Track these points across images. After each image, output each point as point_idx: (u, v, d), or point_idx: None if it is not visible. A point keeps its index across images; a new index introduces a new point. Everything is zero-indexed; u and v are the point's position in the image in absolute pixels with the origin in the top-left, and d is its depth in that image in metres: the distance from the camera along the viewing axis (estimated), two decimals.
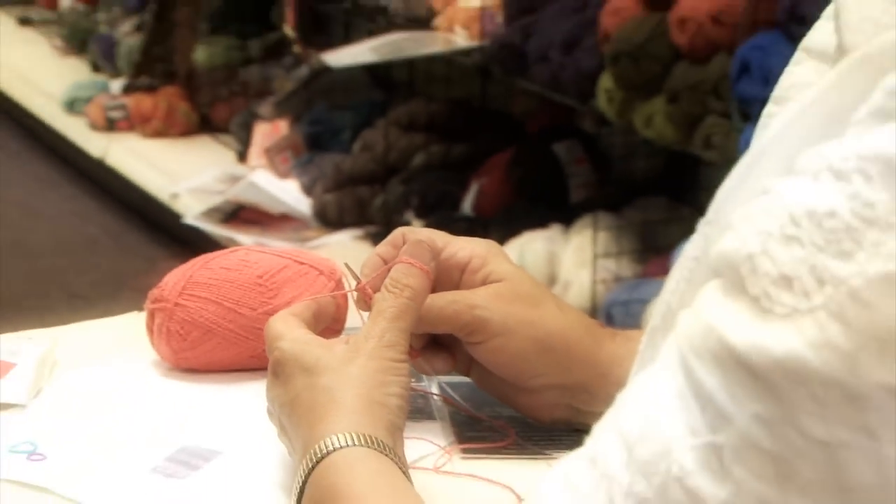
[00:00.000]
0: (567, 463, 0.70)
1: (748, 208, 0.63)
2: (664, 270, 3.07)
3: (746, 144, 0.87)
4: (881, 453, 0.56)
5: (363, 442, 0.98)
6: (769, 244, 0.60)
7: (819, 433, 0.57)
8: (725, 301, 0.62)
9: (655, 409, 0.64)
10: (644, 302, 3.05)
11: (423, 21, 3.91)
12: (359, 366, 1.05)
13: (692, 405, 0.61)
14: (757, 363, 0.58)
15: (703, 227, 0.75)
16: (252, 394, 1.12)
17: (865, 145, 0.58)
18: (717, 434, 0.60)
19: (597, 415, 0.70)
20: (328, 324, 1.17)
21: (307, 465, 0.98)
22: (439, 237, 1.19)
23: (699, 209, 2.80)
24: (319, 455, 0.98)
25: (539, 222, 3.52)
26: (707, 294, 0.64)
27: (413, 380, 1.16)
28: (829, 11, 0.89)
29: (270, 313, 1.15)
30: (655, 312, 0.78)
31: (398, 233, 1.18)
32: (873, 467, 0.56)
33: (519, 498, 1.08)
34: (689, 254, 0.75)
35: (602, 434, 0.68)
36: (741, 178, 0.70)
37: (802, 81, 0.87)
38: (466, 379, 1.23)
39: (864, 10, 0.69)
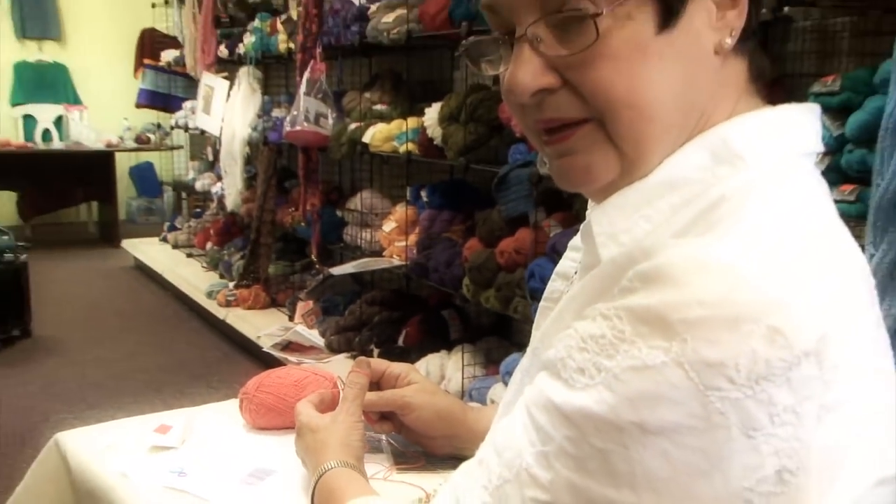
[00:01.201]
0: (462, 465, 0.69)
1: (561, 336, 0.62)
2: (496, 373, 3.06)
3: (535, 310, 0.86)
4: (631, 455, 0.55)
5: (342, 464, 0.97)
6: (571, 352, 0.59)
7: (599, 445, 0.56)
8: (550, 381, 0.61)
9: (513, 433, 0.63)
10: (488, 388, 2.98)
11: (378, 252, 3.87)
12: (336, 426, 1.04)
13: (531, 431, 0.61)
14: (567, 410, 0.58)
15: (532, 351, 0.75)
16: (291, 441, 1.09)
17: (618, 303, 0.58)
18: (545, 446, 0.59)
19: (467, 450, 0.68)
20: (328, 405, 1.13)
21: (316, 477, 0.97)
22: (385, 363, 1.17)
23: (514, 343, 2.78)
24: (321, 472, 0.97)
25: (435, 350, 3.45)
26: (540, 378, 0.62)
27: (371, 432, 1.15)
28: (567, 250, 0.88)
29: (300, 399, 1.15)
30: (509, 390, 0.77)
31: (360, 359, 1.16)
32: (626, 463, 0.55)
33: (426, 493, 1.05)
34: (525, 361, 0.75)
35: (484, 447, 0.66)
36: (552, 324, 0.69)
37: (557, 290, 0.85)
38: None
39: (610, 235, 0.67)
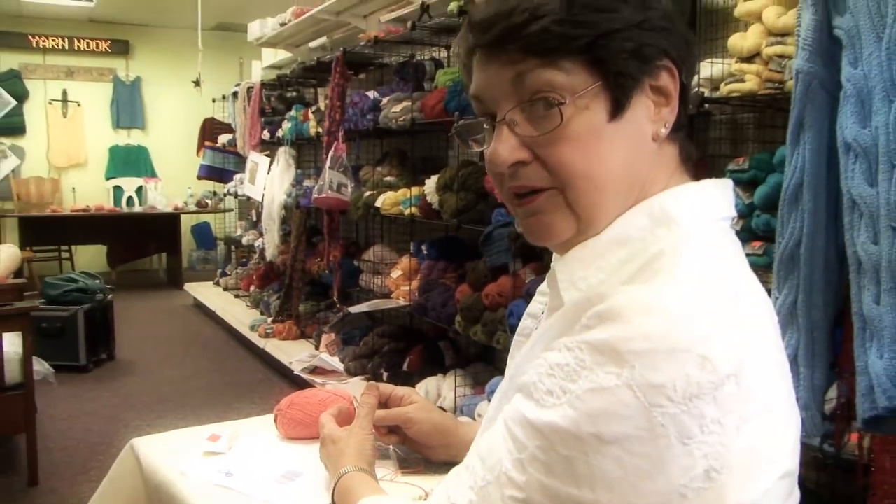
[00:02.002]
0: (453, 469, 0.67)
1: (532, 364, 0.61)
2: (482, 392, 3.03)
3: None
4: (590, 461, 0.54)
5: (357, 469, 0.94)
6: (542, 377, 0.59)
7: (564, 453, 0.55)
8: (524, 401, 0.60)
9: (494, 443, 0.61)
10: (475, 405, 2.94)
11: (387, 295, 3.83)
12: (352, 438, 1.00)
13: (509, 442, 0.59)
14: (538, 425, 0.57)
15: (509, 377, 0.73)
16: (316, 450, 1.07)
17: (579, 337, 0.57)
18: (520, 454, 0.58)
19: (459, 457, 0.66)
20: (345, 417, 1.10)
21: (335, 479, 0.94)
22: (391, 387, 1.14)
23: (497, 368, 2.74)
24: (340, 474, 0.94)
25: (433, 374, 3.39)
26: (516, 399, 0.61)
27: (380, 443, 1.12)
28: (536, 295, 0.87)
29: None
30: (491, 407, 0.75)
31: (370, 384, 1.12)
32: (586, 467, 0.54)
33: (425, 492, 1.02)
34: (504, 384, 0.74)
35: (471, 455, 0.65)
36: (525, 356, 0.68)
37: (528, 327, 0.83)
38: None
39: (571, 282, 0.66)
